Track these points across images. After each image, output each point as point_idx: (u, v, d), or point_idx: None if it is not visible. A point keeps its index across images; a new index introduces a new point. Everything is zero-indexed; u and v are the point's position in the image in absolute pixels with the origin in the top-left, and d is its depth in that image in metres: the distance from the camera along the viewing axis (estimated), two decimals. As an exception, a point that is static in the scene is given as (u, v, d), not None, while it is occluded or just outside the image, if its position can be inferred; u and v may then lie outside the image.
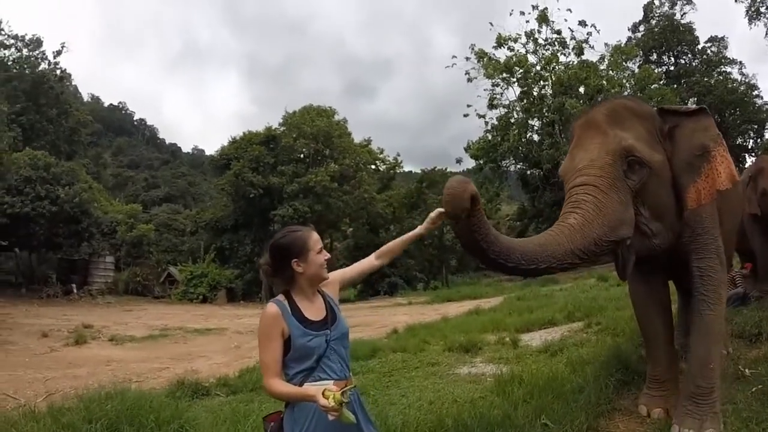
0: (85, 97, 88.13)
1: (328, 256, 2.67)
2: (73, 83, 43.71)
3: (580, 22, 33.93)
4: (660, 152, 3.90)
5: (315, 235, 2.68)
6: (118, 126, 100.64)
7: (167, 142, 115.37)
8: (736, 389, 4.59)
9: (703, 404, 3.84)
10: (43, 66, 36.93)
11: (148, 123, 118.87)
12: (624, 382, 5.20)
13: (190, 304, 27.74)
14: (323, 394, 2.25)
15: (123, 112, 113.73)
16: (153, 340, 13.35)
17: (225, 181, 31.25)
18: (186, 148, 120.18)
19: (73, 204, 25.42)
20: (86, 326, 14.98)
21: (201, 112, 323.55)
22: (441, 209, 2.90)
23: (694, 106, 4.17)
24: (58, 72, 37.96)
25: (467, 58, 34.68)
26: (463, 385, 6.11)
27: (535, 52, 33.87)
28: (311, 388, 2.38)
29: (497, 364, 7.09)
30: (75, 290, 27.62)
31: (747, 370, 4.99)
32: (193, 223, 36.33)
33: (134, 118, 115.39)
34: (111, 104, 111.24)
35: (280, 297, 2.62)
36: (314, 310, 2.63)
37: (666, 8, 45.77)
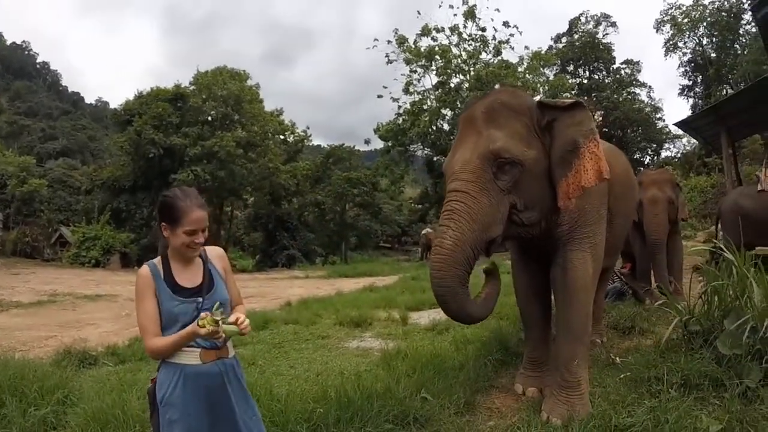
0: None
1: (200, 241, 2.59)
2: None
3: (504, 22, 34.52)
4: (536, 147, 3.97)
5: (195, 215, 2.56)
6: (19, 68, 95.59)
7: (70, 90, 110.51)
8: (606, 375, 4.90)
9: (572, 395, 4.06)
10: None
11: (52, 67, 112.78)
12: (503, 362, 5.49)
13: (81, 268, 26.63)
14: (198, 324, 2.34)
15: (26, 52, 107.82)
16: (40, 307, 12.75)
17: (125, 138, 29.95)
18: (89, 98, 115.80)
19: (-42, 153, 23.54)
20: (-32, 291, 14.17)
21: (110, 61, 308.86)
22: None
23: (570, 100, 4.18)
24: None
25: (389, 41, 34.81)
26: (350, 359, 6.28)
27: (457, 45, 34.34)
28: (187, 328, 2.41)
29: (385, 339, 7.30)
30: (-44, 251, 25.86)
31: (618, 359, 5.33)
32: (90, 181, 34.44)
33: (37, 61, 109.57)
34: (13, 43, 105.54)
35: (156, 260, 2.63)
36: (188, 277, 2.61)
37: (590, 26, 48.42)
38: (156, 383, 2.56)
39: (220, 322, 2.34)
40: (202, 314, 2.39)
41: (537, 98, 4.35)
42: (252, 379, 4.46)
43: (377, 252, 45.62)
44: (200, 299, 2.55)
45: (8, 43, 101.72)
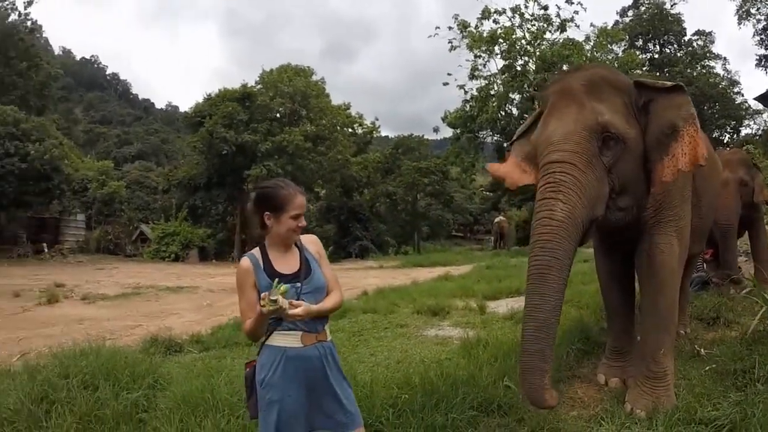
0: (56, 50, 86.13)
1: (303, 224, 2.72)
2: (43, 35, 42.13)
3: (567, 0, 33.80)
4: (634, 126, 3.85)
5: (299, 200, 2.70)
6: (90, 80, 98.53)
7: (140, 97, 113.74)
8: (691, 367, 4.78)
9: (657, 386, 3.97)
10: (13, 17, 35.32)
11: (121, 78, 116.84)
12: (584, 351, 5.43)
13: (161, 262, 27.51)
14: (260, 305, 2.45)
15: (95, 66, 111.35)
16: (125, 299, 13.28)
17: (198, 138, 30.63)
18: (160, 104, 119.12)
19: (43, 161, 24.55)
20: (58, 285, 14.77)
21: (176, 67, 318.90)
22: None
23: (669, 83, 4.05)
24: (28, 23, 36.30)
25: (450, 28, 34.40)
26: (430, 347, 6.32)
27: (520, 27, 33.62)
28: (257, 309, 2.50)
29: (464, 328, 7.31)
30: (46, 249, 27.16)
31: (703, 350, 5.17)
32: (166, 181, 35.62)
33: (106, 73, 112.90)
34: (83, 57, 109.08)
35: (255, 251, 2.74)
36: (287, 263, 2.71)
37: None
38: (255, 366, 2.69)
39: (278, 301, 2.41)
40: (263, 294, 2.47)
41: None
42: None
43: (449, 241, 45.37)
44: (299, 284, 2.63)
45: (78, 58, 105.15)
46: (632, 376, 4.32)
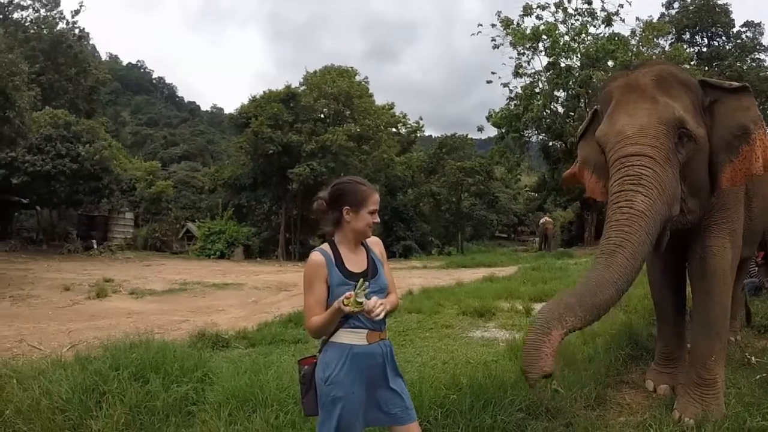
0: (103, 56, 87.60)
1: (377, 220, 2.78)
2: (90, 42, 43.19)
3: (612, -8, 33.16)
4: (702, 126, 3.77)
5: (376, 197, 2.77)
6: (137, 84, 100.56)
7: (186, 100, 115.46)
8: (740, 375, 4.70)
9: (707, 394, 3.91)
10: (61, 26, 36.41)
11: (167, 81, 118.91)
12: (633, 356, 5.37)
13: (207, 260, 27.90)
14: (343, 303, 2.46)
15: (141, 70, 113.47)
16: (172, 294, 13.51)
17: (244, 139, 30.95)
18: (205, 106, 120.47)
19: (93, 161, 25.18)
20: (107, 280, 15.11)
21: (220, 70, 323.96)
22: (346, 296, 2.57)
23: (736, 83, 3.97)
24: (76, 31, 37.44)
25: (493, 25, 34.16)
26: (476, 348, 6.32)
27: (564, 22, 33.19)
28: (333, 305, 2.53)
29: (510, 330, 7.31)
30: (95, 246, 27.79)
31: (753, 359, 5.11)
32: (212, 181, 36.22)
33: (153, 77, 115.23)
34: (129, 63, 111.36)
35: (325, 246, 2.78)
36: (356, 262, 2.75)
37: None
38: (318, 363, 2.70)
39: (363, 303, 2.46)
40: (347, 293, 2.50)
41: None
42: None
43: (493, 242, 45.17)
44: (367, 283, 2.61)
45: (125, 63, 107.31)
46: (681, 383, 4.26)
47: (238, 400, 3.98)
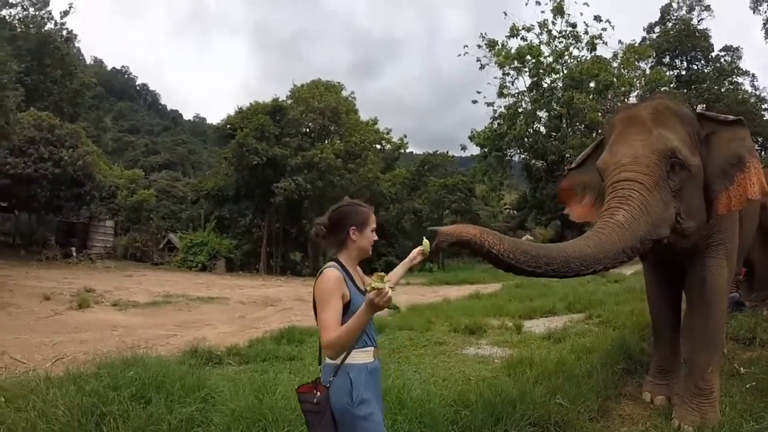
0: (88, 60, 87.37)
1: (376, 237, 2.87)
2: (76, 45, 42.71)
3: (595, 17, 33.93)
4: (697, 156, 4.00)
5: (374, 216, 2.88)
6: (120, 90, 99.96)
7: (169, 108, 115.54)
8: (731, 385, 4.89)
9: (704, 403, 4.12)
10: (49, 26, 36.23)
11: (151, 88, 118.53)
12: (628, 370, 5.52)
13: (189, 272, 27.82)
14: (367, 290, 2.37)
15: (125, 76, 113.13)
16: (156, 307, 13.41)
17: (229, 150, 31.08)
18: (187, 115, 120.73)
19: (76, 167, 25.04)
20: (88, 290, 14.97)
21: (205, 80, 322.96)
22: (419, 248, 3.06)
23: (732, 117, 4.26)
24: (64, 33, 37.21)
25: (479, 46, 34.66)
26: (472, 365, 6.38)
27: (548, 44, 33.78)
28: (362, 306, 2.42)
29: (503, 347, 7.39)
30: (74, 253, 27.47)
31: (742, 369, 5.34)
32: (194, 192, 36.13)
33: (136, 83, 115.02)
34: (114, 68, 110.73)
35: (334, 264, 2.73)
36: (360, 281, 2.81)
37: (683, 12, 45.79)
38: (335, 388, 2.61)
39: (384, 280, 2.35)
40: (366, 279, 2.61)
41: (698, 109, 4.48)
42: (386, 384, 4.55)
43: (473, 259, 45.22)
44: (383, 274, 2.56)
45: (109, 68, 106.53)
46: (678, 394, 4.49)
47: (247, 421, 3.93)
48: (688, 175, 3.87)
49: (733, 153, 4.06)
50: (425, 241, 3.04)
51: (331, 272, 2.65)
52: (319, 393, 2.62)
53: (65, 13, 37.50)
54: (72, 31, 38.53)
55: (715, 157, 4.09)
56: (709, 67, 45.22)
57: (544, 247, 3.29)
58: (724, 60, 45.42)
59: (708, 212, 4.08)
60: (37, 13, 35.92)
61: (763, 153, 42.49)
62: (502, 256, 3.09)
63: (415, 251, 3.05)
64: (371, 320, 2.63)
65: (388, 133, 39.10)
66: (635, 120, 4.09)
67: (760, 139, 42.85)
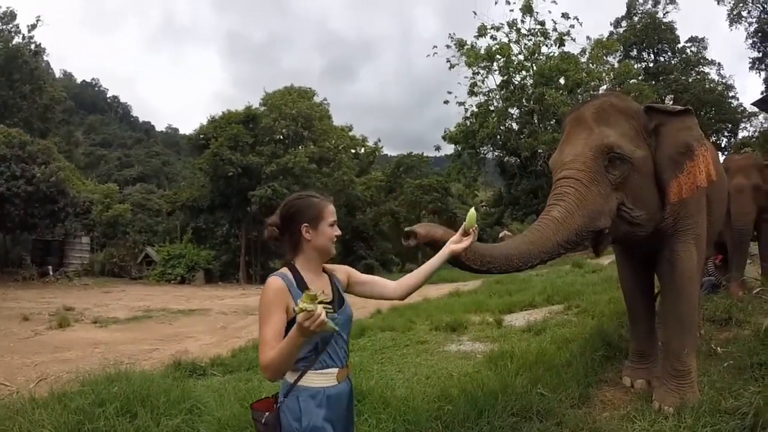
0: (57, 73, 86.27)
1: (339, 232, 2.53)
2: (45, 58, 42.03)
3: (563, 14, 34.36)
4: (643, 148, 4.13)
5: (331, 207, 2.53)
6: (91, 103, 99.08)
7: (141, 120, 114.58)
8: (709, 365, 5.02)
9: (683, 384, 4.24)
10: (17, 40, 35.67)
11: (122, 100, 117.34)
12: (607, 357, 5.59)
13: (168, 285, 27.63)
14: (295, 311, 2.03)
15: (96, 88, 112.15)
16: (137, 322, 13.33)
17: (203, 161, 30.99)
18: (160, 126, 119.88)
19: (49, 183, 24.63)
20: (67, 309, 14.87)
21: (176, 90, 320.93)
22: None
23: (679, 106, 4.39)
24: (32, 47, 36.65)
25: (448, 46, 34.82)
26: (454, 362, 6.42)
27: (517, 42, 34.04)
28: (294, 327, 2.06)
29: (484, 342, 7.42)
30: (51, 272, 27.23)
31: (719, 349, 5.46)
32: (170, 204, 35.98)
33: (107, 96, 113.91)
34: (84, 81, 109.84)
35: (284, 270, 2.44)
36: (321, 287, 2.30)
37: (649, 6, 46.68)
38: (284, 410, 2.37)
39: (323, 314, 1.98)
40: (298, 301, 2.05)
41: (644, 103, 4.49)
42: (369, 384, 4.67)
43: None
44: (336, 315, 2.37)
45: (79, 81, 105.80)
46: (657, 377, 4.62)
47: (233, 429, 3.93)
48: (630, 167, 3.98)
49: (681, 142, 4.18)
50: (471, 212, 2.71)
51: (273, 281, 2.37)
52: (267, 413, 2.41)
53: (33, 27, 36.99)
54: (40, 44, 38.09)
55: (664, 147, 4.20)
56: (676, 59, 46.11)
57: (490, 247, 3.44)
58: (690, 51, 46.30)
59: (662, 200, 4.19)
60: (4, 27, 35.45)
61: (731, 139, 43.40)
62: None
63: (457, 234, 2.75)
64: (342, 336, 2.42)
65: (363, 141, 39.45)
66: (580, 120, 4.24)
67: (729, 126, 43.86)
